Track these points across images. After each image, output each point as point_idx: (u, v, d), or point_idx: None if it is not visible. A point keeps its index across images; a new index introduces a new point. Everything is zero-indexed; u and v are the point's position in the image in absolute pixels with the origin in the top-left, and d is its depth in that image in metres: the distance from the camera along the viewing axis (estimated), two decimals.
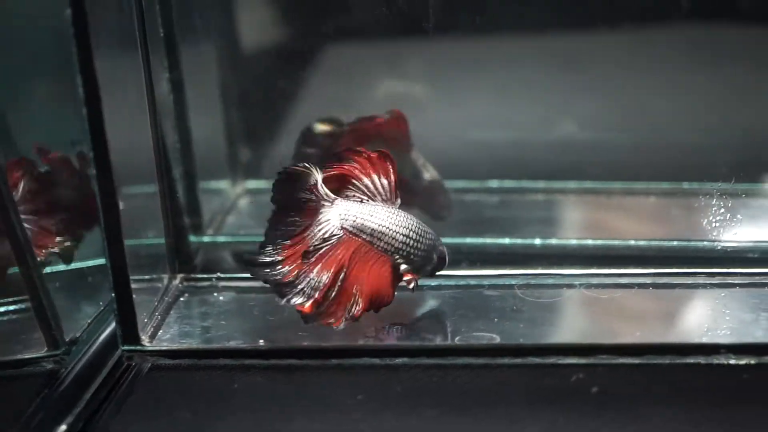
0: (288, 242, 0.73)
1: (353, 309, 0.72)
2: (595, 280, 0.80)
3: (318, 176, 0.73)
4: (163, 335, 0.75)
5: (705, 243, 0.84)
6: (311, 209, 0.73)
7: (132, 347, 0.73)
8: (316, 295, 0.71)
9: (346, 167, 0.74)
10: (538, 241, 0.87)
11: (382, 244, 0.74)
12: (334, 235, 0.73)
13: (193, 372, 0.72)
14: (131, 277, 0.71)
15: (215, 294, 0.81)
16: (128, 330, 0.72)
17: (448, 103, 1.01)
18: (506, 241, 0.87)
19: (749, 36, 0.96)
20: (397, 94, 1.00)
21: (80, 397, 0.70)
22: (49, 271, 0.78)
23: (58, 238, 0.78)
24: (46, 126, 0.84)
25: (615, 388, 0.67)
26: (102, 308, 0.79)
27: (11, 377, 0.72)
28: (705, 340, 0.71)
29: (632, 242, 0.85)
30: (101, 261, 0.73)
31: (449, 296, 0.79)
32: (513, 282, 0.80)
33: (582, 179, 0.97)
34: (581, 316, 0.75)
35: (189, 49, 0.87)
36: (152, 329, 0.75)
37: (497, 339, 0.72)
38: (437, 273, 0.76)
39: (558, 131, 0.99)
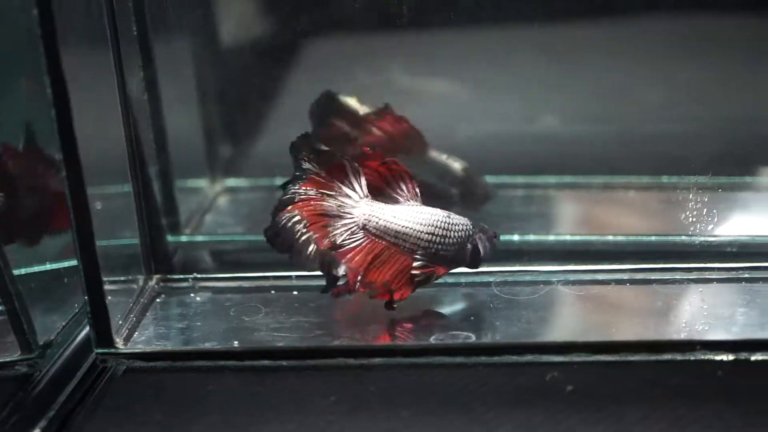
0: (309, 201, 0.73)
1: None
2: (572, 277, 0.79)
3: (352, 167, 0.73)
4: (138, 337, 0.74)
5: (683, 238, 0.83)
6: (339, 193, 0.73)
7: (106, 350, 0.72)
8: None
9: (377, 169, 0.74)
10: (516, 238, 0.86)
11: (407, 245, 0.73)
12: (356, 235, 0.73)
13: (167, 374, 0.72)
14: (104, 279, 0.71)
15: (192, 295, 0.81)
16: (102, 333, 0.72)
17: (428, 97, 1.01)
18: None
19: (733, 26, 0.95)
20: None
21: (54, 401, 0.69)
22: (23, 272, 0.78)
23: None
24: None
25: (589, 387, 0.67)
26: (77, 310, 0.78)
27: None
28: (680, 336, 0.70)
29: (610, 238, 0.85)
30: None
31: (426, 295, 0.79)
32: (491, 279, 0.80)
33: (562, 174, 0.97)
34: (557, 313, 0.74)
35: (163, 47, 0.86)
36: (127, 331, 0.74)
37: (473, 338, 0.71)
38: (481, 262, 0.75)
39: (537, 125, 0.98)
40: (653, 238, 0.85)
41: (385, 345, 0.71)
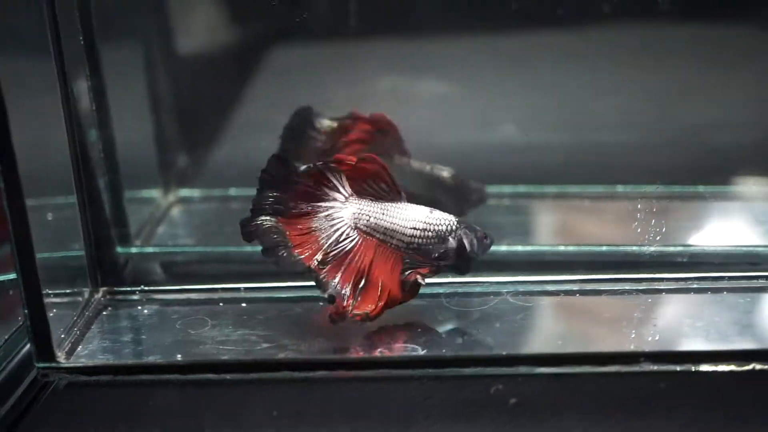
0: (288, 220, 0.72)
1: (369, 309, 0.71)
2: (522, 288, 0.79)
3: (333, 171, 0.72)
4: (81, 351, 0.73)
5: (634, 248, 0.83)
6: (316, 198, 0.73)
7: (47, 364, 0.71)
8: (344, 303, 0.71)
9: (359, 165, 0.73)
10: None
11: (394, 241, 0.73)
12: (349, 237, 0.73)
13: (110, 388, 0.71)
14: (46, 292, 0.69)
15: (139, 307, 0.80)
16: (42, 346, 0.70)
17: (389, 106, 1.00)
18: None
19: (688, 37, 0.96)
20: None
21: None
22: None
23: None
24: None
25: (533, 399, 0.67)
26: (21, 323, 0.77)
27: None
28: (625, 348, 0.70)
29: (561, 248, 0.85)
30: None
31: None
32: (440, 291, 0.79)
33: (516, 183, 0.97)
34: (505, 325, 0.74)
35: (113, 55, 0.85)
36: (70, 345, 0.73)
37: (419, 350, 0.71)
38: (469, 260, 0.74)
39: (492, 134, 0.98)
40: (604, 248, 0.84)
41: (329, 358, 0.71)
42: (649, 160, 0.96)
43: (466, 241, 0.73)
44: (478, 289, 0.79)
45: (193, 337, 0.74)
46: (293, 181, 0.73)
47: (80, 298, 0.79)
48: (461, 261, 0.74)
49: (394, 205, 0.74)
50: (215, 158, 1.03)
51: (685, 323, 0.74)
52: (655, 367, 0.68)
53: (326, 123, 0.85)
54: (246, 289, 0.81)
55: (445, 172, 0.88)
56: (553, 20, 0.92)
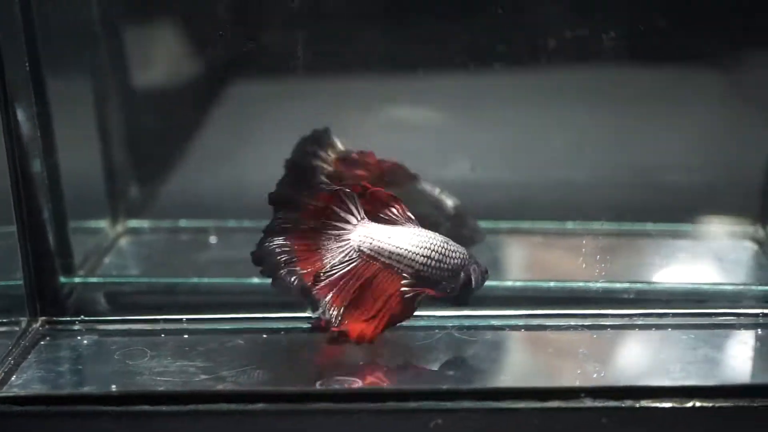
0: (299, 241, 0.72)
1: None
2: (467, 322, 0.78)
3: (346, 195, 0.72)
4: (15, 381, 0.71)
5: (580, 284, 0.83)
6: (330, 217, 0.73)
7: None
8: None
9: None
10: None
11: (401, 266, 0.72)
12: (350, 258, 0.72)
13: (42, 419, 0.69)
14: None
15: (79, 338, 0.78)
16: None
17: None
18: None
19: (637, 79, 0.97)
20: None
21: None
22: None
23: None
24: None
25: None
26: None
27: None
28: (567, 383, 0.70)
29: (509, 283, 0.85)
30: None
31: (316, 340, 0.77)
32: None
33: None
34: (447, 359, 0.73)
35: (61, 84, 0.85)
36: (3, 374, 0.71)
37: (359, 383, 0.70)
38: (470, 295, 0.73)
39: (445, 171, 0.98)
40: (552, 284, 0.84)
41: (268, 390, 0.69)
42: (598, 198, 0.97)
43: (473, 278, 0.73)
44: (422, 323, 0.78)
45: (131, 368, 0.73)
46: (306, 199, 0.72)
47: (17, 328, 0.77)
48: (464, 294, 0.73)
49: (403, 229, 0.73)
50: (167, 190, 1.02)
51: (629, 359, 0.74)
52: (597, 403, 0.68)
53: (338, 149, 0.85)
54: (188, 320, 0.80)
55: (450, 201, 0.88)
56: (507, 60, 0.93)
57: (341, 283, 0.72)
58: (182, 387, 0.70)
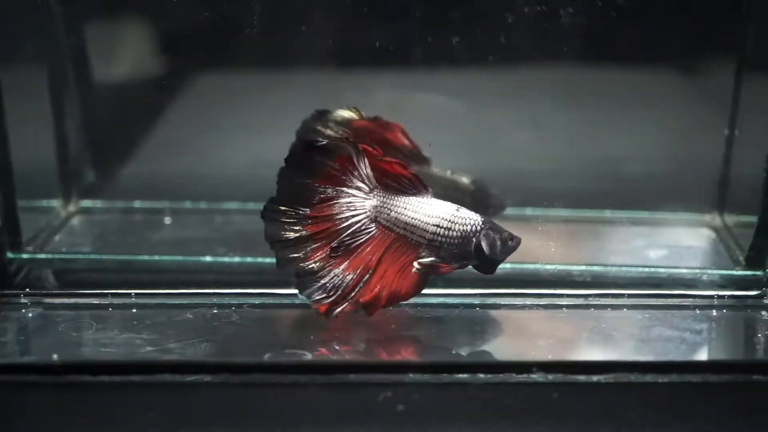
0: (310, 214, 0.71)
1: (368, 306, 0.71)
2: (422, 300, 0.77)
3: (361, 156, 0.71)
4: None
5: (536, 266, 0.82)
6: (341, 183, 0.71)
7: None
8: (335, 296, 0.70)
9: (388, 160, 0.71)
10: None
11: (415, 237, 0.71)
12: (367, 229, 0.71)
13: None
14: None
15: (23, 311, 0.77)
16: None
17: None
18: None
19: (606, 76, 0.97)
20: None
21: None
22: None
23: None
24: None
25: (422, 407, 0.65)
26: None
27: None
28: (519, 358, 0.69)
29: None
30: None
31: (272, 314, 0.76)
32: None
33: None
34: (399, 334, 0.72)
35: (14, 67, 0.84)
36: None
37: (309, 356, 0.69)
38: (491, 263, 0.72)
39: None
40: (508, 265, 0.83)
41: (214, 361, 0.68)
42: (559, 187, 0.97)
43: (485, 244, 0.71)
44: None
45: (75, 340, 0.71)
46: (318, 165, 0.71)
47: None
48: (482, 263, 0.72)
49: (418, 199, 0.72)
50: (123, 173, 1.01)
51: (582, 336, 0.73)
52: (548, 378, 0.67)
53: (346, 114, 0.82)
54: (137, 295, 0.78)
55: (465, 179, 0.87)
56: (478, 60, 0.93)
57: (356, 253, 0.71)
58: (125, 357, 0.68)
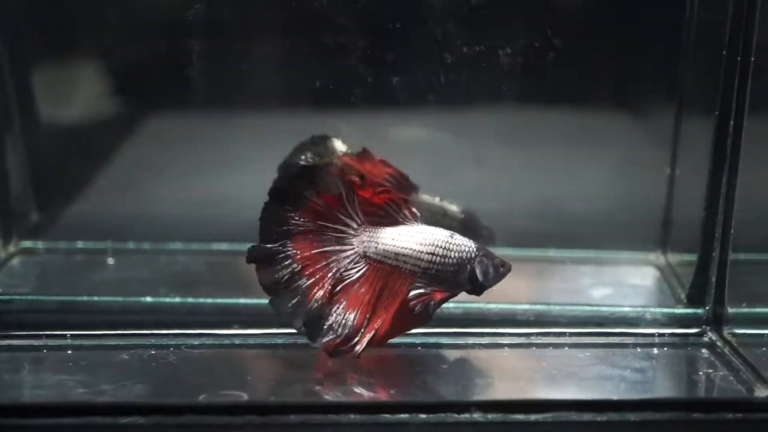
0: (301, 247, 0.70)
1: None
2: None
3: (351, 193, 0.71)
4: None
5: (478, 305, 0.82)
6: (331, 219, 0.71)
7: None
8: (343, 336, 0.70)
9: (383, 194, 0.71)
10: None
11: (408, 266, 0.70)
12: (358, 265, 0.70)
13: None
14: None
15: None
16: None
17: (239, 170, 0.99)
18: None
19: (553, 118, 0.98)
20: None
21: None
22: None
23: None
24: None
25: None
26: None
27: None
28: (458, 397, 0.68)
29: None
30: None
31: (211, 355, 0.75)
32: (279, 341, 0.77)
33: None
34: (339, 374, 0.71)
35: None
36: None
37: (245, 397, 0.68)
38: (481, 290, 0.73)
39: None
40: (452, 305, 0.83)
41: (146, 402, 0.67)
42: (506, 225, 0.97)
43: (479, 271, 0.72)
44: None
45: (6, 382, 0.69)
46: (307, 197, 0.71)
47: None
48: (473, 288, 0.72)
49: (408, 228, 0.72)
50: (67, 213, 1.00)
51: (522, 375, 0.73)
52: (489, 416, 0.66)
53: (338, 145, 0.83)
54: (73, 336, 0.77)
55: (454, 206, 0.87)
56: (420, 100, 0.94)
57: (351, 291, 0.71)
58: (56, 399, 0.67)
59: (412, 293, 0.71)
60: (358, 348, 0.70)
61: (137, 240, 0.97)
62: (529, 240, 0.96)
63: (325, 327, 0.70)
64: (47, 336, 0.76)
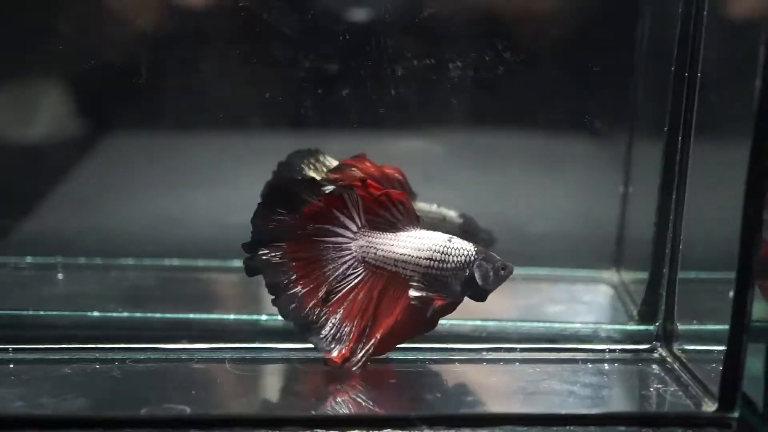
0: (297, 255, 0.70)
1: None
2: (313, 354, 0.76)
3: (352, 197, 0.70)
4: None
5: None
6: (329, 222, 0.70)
7: None
8: (344, 350, 0.69)
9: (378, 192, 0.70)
10: (264, 317, 0.83)
11: (407, 271, 0.70)
12: (356, 271, 0.70)
13: None
14: None
15: None
16: None
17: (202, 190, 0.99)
18: (231, 317, 0.83)
19: (512, 141, 0.99)
20: None
21: None
22: None
23: None
24: None
25: None
26: None
27: None
28: (404, 412, 0.68)
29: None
30: None
31: (156, 369, 0.74)
32: (226, 356, 0.76)
33: None
34: (282, 389, 0.71)
35: None
36: None
37: (187, 410, 0.67)
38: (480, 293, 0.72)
39: None
40: None
41: (86, 416, 0.65)
42: None
43: (478, 275, 0.71)
44: (264, 355, 0.76)
45: None
46: (304, 201, 0.70)
47: None
48: (474, 292, 0.72)
49: (407, 233, 0.71)
50: (20, 229, 0.98)
51: (471, 390, 0.72)
52: (436, 431, 0.66)
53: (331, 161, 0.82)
54: (15, 350, 0.75)
55: (453, 212, 0.86)
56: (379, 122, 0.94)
57: (350, 298, 0.70)
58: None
59: (412, 293, 0.70)
60: (361, 360, 0.70)
61: (89, 256, 0.96)
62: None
63: (325, 337, 0.70)
64: None
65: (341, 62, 0.90)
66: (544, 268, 0.97)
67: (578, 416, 0.68)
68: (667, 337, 0.80)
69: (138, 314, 0.82)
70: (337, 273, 0.71)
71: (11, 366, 0.73)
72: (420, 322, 0.71)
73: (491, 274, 0.72)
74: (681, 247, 0.79)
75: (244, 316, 0.82)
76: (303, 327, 0.71)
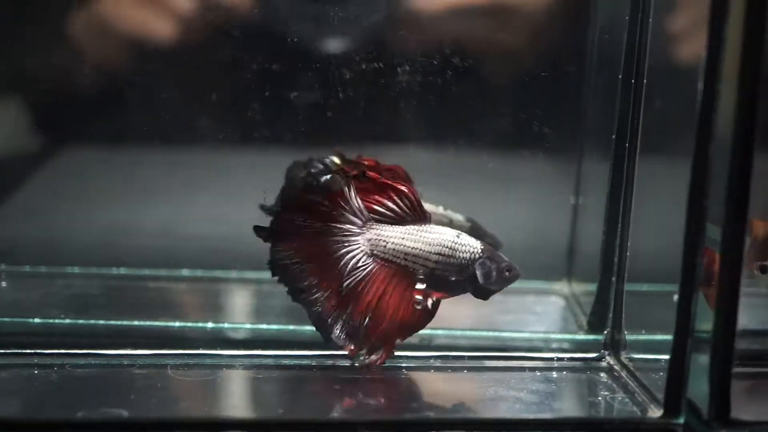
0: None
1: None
2: (259, 361, 0.75)
3: (352, 188, 0.69)
4: None
5: None
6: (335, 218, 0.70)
7: None
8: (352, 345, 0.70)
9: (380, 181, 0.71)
10: (210, 325, 0.82)
11: (417, 266, 0.69)
12: (365, 265, 0.69)
13: None
14: None
15: None
16: None
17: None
18: (176, 324, 0.82)
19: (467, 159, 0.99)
20: None
21: None
22: None
23: None
24: None
25: None
26: None
27: None
28: (346, 417, 0.67)
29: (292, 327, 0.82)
30: None
31: (96, 374, 0.72)
32: (169, 362, 0.74)
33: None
34: (227, 392, 0.70)
35: None
36: None
37: (125, 414, 0.65)
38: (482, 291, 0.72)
39: None
40: None
41: (19, 418, 0.64)
42: None
43: (479, 273, 0.71)
44: (207, 361, 0.74)
45: None
46: (313, 203, 0.70)
47: None
48: (476, 291, 0.72)
49: (417, 228, 0.70)
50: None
51: (415, 396, 0.72)
52: None
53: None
54: None
55: (460, 216, 0.86)
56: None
57: (357, 292, 0.70)
58: None
59: (420, 287, 0.70)
60: (380, 354, 0.71)
61: (33, 264, 0.95)
62: None
63: (341, 333, 0.71)
64: None
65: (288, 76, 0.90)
66: None
67: (525, 421, 0.68)
68: (615, 346, 0.80)
69: (81, 321, 0.81)
70: (347, 268, 0.70)
71: None
72: (423, 314, 0.72)
73: (494, 273, 0.72)
74: (628, 256, 0.79)
75: (189, 324, 0.82)
76: (324, 325, 0.71)
